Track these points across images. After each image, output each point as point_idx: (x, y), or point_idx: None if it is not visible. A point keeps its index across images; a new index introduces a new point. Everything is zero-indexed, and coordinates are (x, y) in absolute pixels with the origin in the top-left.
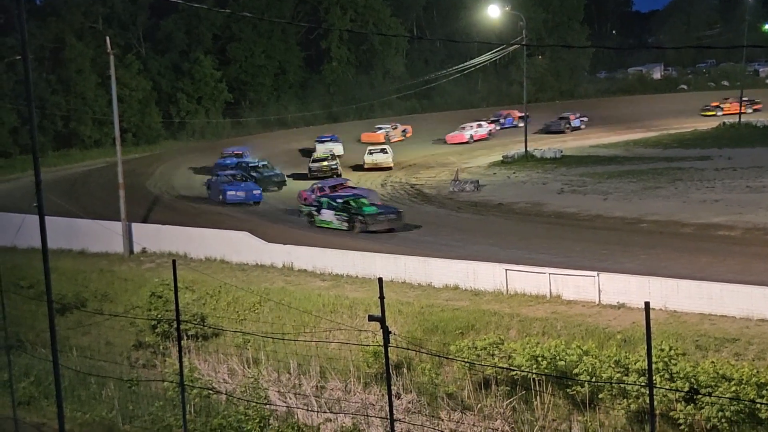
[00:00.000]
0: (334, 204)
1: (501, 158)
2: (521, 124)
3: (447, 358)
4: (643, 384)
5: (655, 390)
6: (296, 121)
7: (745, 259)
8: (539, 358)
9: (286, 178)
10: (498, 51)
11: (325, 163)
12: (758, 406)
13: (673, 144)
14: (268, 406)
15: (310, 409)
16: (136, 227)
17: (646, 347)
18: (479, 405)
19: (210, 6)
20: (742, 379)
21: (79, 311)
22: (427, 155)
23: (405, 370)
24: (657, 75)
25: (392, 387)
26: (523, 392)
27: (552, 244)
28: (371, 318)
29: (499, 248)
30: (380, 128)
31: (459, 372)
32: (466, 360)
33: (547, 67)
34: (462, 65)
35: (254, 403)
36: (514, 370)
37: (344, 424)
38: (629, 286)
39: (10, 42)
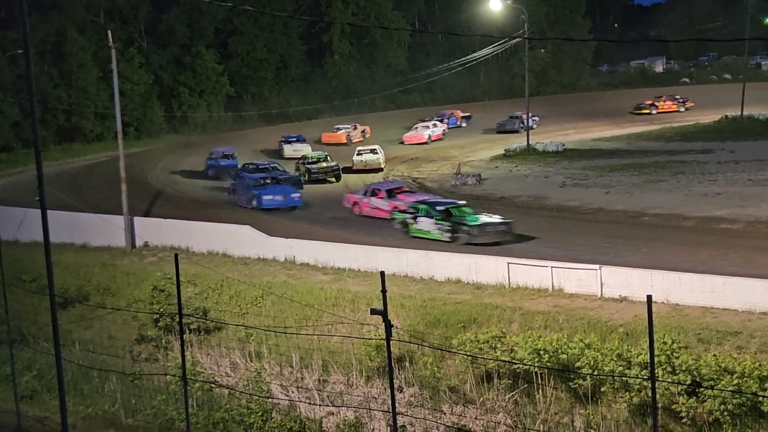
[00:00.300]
0: (434, 211)
1: (503, 151)
2: (464, 125)
3: (449, 352)
4: (645, 377)
5: (657, 383)
6: (298, 115)
7: (747, 253)
8: (541, 352)
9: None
10: (500, 44)
11: (324, 164)
12: (760, 399)
13: (675, 137)
14: (270, 399)
15: (312, 402)
16: (138, 221)
17: (648, 340)
18: (481, 398)
19: None
20: (745, 372)
21: (81, 305)
22: (428, 149)
23: (407, 364)
24: (659, 68)
25: (394, 380)
26: (526, 386)
27: (554, 238)
28: (373, 311)
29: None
30: (340, 128)
31: (461, 365)
32: (468, 353)
33: (549, 60)
34: (464, 58)
35: (257, 397)
36: (516, 364)
37: (347, 418)
38: (631, 279)
39: (11, 36)
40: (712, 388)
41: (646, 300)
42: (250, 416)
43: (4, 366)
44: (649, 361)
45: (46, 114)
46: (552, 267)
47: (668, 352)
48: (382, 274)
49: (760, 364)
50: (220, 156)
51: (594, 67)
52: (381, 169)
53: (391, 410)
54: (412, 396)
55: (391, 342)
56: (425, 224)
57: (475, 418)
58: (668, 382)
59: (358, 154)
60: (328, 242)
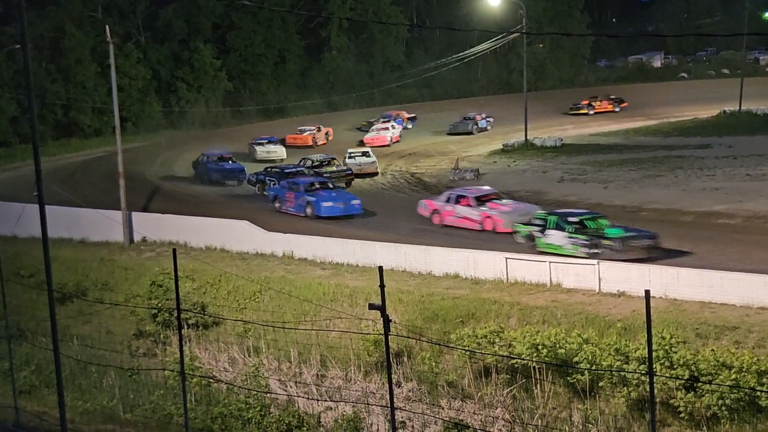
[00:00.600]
0: (566, 224)
1: (501, 147)
2: (410, 126)
3: (447, 347)
4: (643, 372)
5: (655, 378)
6: (296, 110)
7: (745, 248)
8: (539, 347)
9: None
10: (498, 39)
11: (333, 168)
12: (758, 393)
13: (673, 132)
14: (268, 394)
15: (310, 397)
16: (137, 216)
17: (646, 335)
18: (479, 393)
19: None
20: (743, 367)
21: (79, 300)
22: (427, 144)
23: (405, 359)
24: (657, 63)
25: (393, 375)
26: (524, 380)
27: None
28: (372, 306)
29: (498, 237)
30: (304, 130)
31: (459, 360)
32: (466, 348)
33: (547, 55)
34: (462, 54)
35: (255, 392)
36: (514, 359)
37: (345, 413)
38: (629, 274)
39: (9, 31)
40: (710, 383)
41: (644, 295)
42: (248, 411)
43: (3, 361)
44: (647, 355)
45: (44, 109)
46: (550, 262)
47: (666, 347)
48: (381, 269)
49: (758, 359)
50: (216, 158)
51: (592, 62)
52: (376, 174)
53: (389, 405)
54: (410, 391)
55: (389, 337)
56: (556, 238)
57: (474, 413)
58: (666, 377)
59: (350, 157)
60: (326, 237)
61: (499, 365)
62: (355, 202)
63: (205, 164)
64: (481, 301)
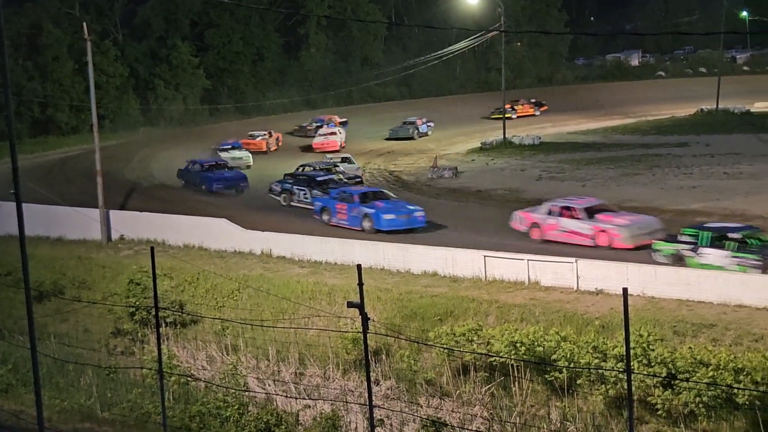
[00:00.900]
0: (725, 241)
1: (479, 145)
2: (342, 131)
3: (426, 345)
4: (621, 370)
5: (632, 375)
6: (275, 108)
7: None
8: (518, 344)
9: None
10: (476, 38)
11: (340, 174)
12: (735, 391)
13: (651, 131)
14: (247, 392)
15: (289, 395)
16: (114, 214)
17: (624, 333)
18: (458, 391)
19: None
20: (720, 365)
21: (56, 298)
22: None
23: (384, 357)
24: (635, 62)
25: (371, 373)
26: (502, 378)
27: None
28: (350, 304)
29: (478, 234)
30: (256, 135)
31: (438, 358)
32: (444, 346)
33: (526, 53)
34: (440, 52)
35: (233, 390)
36: (492, 356)
37: (323, 411)
38: (607, 272)
39: None
40: (687, 380)
41: (622, 293)
42: (226, 409)
43: None
44: (624, 353)
45: (21, 106)
46: (528, 260)
47: (644, 345)
48: (359, 267)
49: (734, 357)
50: (210, 166)
51: (570, 60)
52: (360, 179)
53: (367, 403)
54: (388, 389)
55: (367, 335)
56: (715, 258)
57: (452, 411)
58: (644, 375)
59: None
60: (305, 235)
61: (477, 363)
62: (419, 214)
63: (199, 173)
64: (459, 299)
